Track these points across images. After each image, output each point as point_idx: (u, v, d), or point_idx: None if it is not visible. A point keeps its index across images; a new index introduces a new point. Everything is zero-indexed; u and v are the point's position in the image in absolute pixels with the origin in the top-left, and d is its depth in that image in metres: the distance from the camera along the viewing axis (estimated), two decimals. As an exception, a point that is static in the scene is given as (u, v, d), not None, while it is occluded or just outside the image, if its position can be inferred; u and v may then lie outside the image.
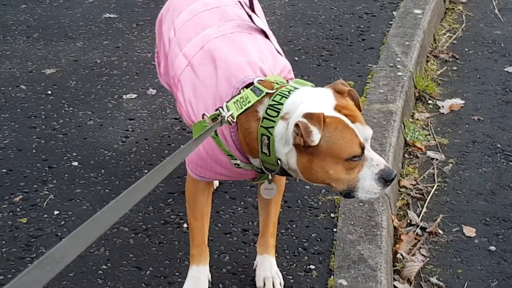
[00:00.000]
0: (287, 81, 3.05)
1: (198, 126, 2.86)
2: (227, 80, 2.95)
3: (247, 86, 2.90)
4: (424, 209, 4.19)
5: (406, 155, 4.70)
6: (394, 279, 3.68)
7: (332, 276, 3.42)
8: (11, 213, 3.86)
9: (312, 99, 2.77)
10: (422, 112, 5.20)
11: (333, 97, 2.77)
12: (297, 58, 5.54)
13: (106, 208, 1.81)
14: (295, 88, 2.86)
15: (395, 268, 3.75)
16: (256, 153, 2.88)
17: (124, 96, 5.01)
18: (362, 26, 6.12)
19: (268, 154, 2.84)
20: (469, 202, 4.25)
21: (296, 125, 2.67)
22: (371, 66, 5.39)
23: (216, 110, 2.82)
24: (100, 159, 4.32)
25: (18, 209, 3.90)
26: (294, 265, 3.50)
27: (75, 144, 4.46)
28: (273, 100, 2.82)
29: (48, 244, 3.61)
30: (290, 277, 3.42)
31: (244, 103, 2.83)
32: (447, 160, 4.64)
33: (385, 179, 2.76)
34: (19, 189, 4.05)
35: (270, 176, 3.01)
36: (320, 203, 3.93)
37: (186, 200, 3.22)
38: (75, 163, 4.28)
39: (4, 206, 3.91)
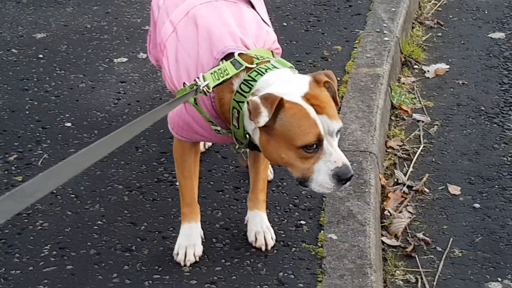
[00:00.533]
0: (271, 52, 3.12)
1: (180, 93, 2.92)
2: (209, 50, 3.01)
3: (226, 57, 2.96)
4: (411, 169, 4.30)
5: (392, 118, 4.80)
6: (382, 235, 3.78)
7: (322, 231, 3.51)
8: (6, 172, 3.93)
9: (284, 82, 2.80)
10: (408, 76, 5.30)
11: (308, 85, 2.79)
12: (285, 24, 5.61)
13: (78, 153, 1.90)
14: (274, 67, 2.90)
15: (383, 224, 3.86)
16: (230, 123, 2.97)
17: (115, 60, 5.07)
18: (348, -7, 6.19)
19: (237, 127, 2.91)
20: (454, 162, 4.36)
21: (247, 103, 2.73)
22: (358, 32, 5.47)
23: (195, 80, 2.87)
24: (93, 120, 4.39)
25: (13, 168, 3.96)
26: (285, 220, 3.59)
27: (67, 106, 4.53)
28: (248, 76, 2.87)
29: (43, 201, 3.68)
30: (282, 231, 3.51)
31: (222, 74, 2.87)
32: (433, 122, 4.75)
33: (340, 177, 2.74)
34: (14, 149, 4.11)
35: (237, 147, 3.08)
36: (309, 162, 4.01)
37: (175, 160, 3.30)
38: (68, 124, 4.34)
39: (-1, 165, 3.99)
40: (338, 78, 4.83)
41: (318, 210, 3.66)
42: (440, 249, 3.72)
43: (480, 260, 3.65)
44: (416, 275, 3.59)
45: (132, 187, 3.81)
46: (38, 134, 4.24)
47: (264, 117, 2.67)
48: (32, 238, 3.47)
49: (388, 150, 4.45)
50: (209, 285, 3.19)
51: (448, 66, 5.40)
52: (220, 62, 2.93)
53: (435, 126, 4.70)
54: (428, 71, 5.35)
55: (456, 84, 5.20)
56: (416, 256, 3.69)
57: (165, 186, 3.82)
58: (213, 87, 2.85)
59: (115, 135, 2.11)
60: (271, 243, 3.40)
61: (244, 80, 2.87)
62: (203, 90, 2.81)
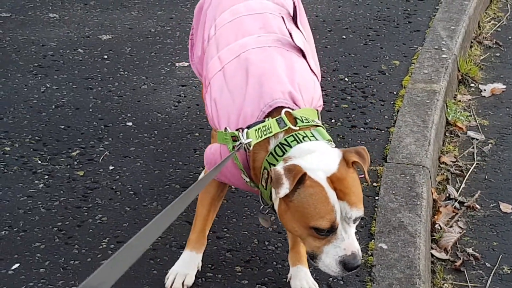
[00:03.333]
0: (317, 111, 3.09)
1: (221, 135, 2.95)
2: (256, 101, 2.98)
3: (272, 111, 2.94)
4: (463, 185, 4.34)
5: (447, 134, 4.85)
6: (432, 248, 3.83)
7: (373, 240, 3.57)
8: (68, 166, 4.06)
9: (316, 156, 2.78)
10: (464, 94, 5.34)
11: (338, 165, 2.74)
12: (344, 37, 5.68)
13: (138, 235, 1.85)
14: (313, 136, 2.88)
15: (433, 237, 3.90)
16: (258, 180, 2.95)
17: (177, 64, 5.20)
18: (409, 9, 6.26)
19: (265, 187, 2.90)
20: (507, 181, 4.40)
21: (271, 171, 2.72)
22: (417, 48, 5.54)
23: (237, 130, 2.90)
24: (153, 121, 4.51)
25: (75, 162, 4.09)
26: (337, 228, 3.65)
27: (129, 106, 4.66)
28: (285, 140, 2.85)
29: (103, 196, 3.81)
30: (333, 239, 3.57)
31: (265, 132, 2.87)
32: (487, 141, 4.78)
33: (346, 265, 2.71)
34: (77, 145, 4.25)
35: (261, 207, 3.06)
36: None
37: None
38: (130, 123, 4.47)
39: (62, 159, 4.12)
40: (395, 92, 4.90)
41: (369, 219, 3.72)
42: (489, 265, 3.76)
43: (528, 278, 3.69)
44: (464, 289, 3.64)
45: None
46: (100, 132, 4.38)
47: (284, 189, 2.65)
48: (91, 231, 3.58)
49: (441, 166, 4.50)
50: (259, 285, 3.28)
51: (505, 86, 5.43)
52: (266, 119, 2.92)
53: (489, 145, 4.74)
54: (484, 90, 5.38)
55: (512, 104, 5.24)
56: (465, 270, 3.73)
57: (221, 188, 3.91)
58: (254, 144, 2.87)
59: (168, 211, 2.05)
60: None
61: (280, 143, 2.85)
62: (245, 146, 2.84)
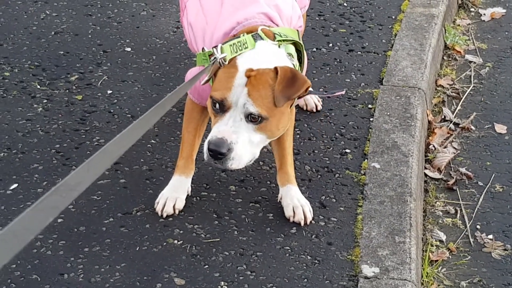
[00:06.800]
0: (297, 31, 3.11)
1: (200, 56, 2.96)
2: (231, 21, 3.03)
3: (250, 30, 2.97)
4: (459, 107, 4.37)
5: (445, 58, 4.86)
6: (425, 168, 3.88)
7: (366, 160, 3.63)
8: (67, 91, 4.10)
9: (257, 53, 2.87)
10: (463, 18, 5.34)
11: (268, 66, 2.82)
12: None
13: (113, 140, 1.88)
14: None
15: (427, 158, 3.95)
16: None
17: (176, -10, 5.21)
18: None
19: None
20: (503, 102, 4.42)
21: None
22: (417, -27, 5.51)
23: (213, 48, 2.90)
24: (152, 46, 4.54)
25: (73, 87, 4.14)
26: (331, 148, 3.71)
27: (128, 32, 4.68)
28: None
29: (101, 119, 3.86)
30: (327, 159, 3.63)
31: (240, 48, 2.89)
32: (485, 64, 4.80)
33: (208, 145, 2.81)
34: (75, 70, 4.29)
35: None
36: (359, 95, 4.12)
37: (184, 115, 3.33)
38: (128, 49, 4.50)
39: (60, 84, 4.16)
40: (393, 17, 4.90)
41: (363, 140, 3.77)
42: (482, 184, 3.81)
43: (520, 196, 3.75)
44: (456, 207, 3.69)
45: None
46: (99, 57, 4.41)
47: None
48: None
49: (438, 88, 4.52)
50: (253, 204, 3.35)
51: (504, 10, 5.43)
52: (241, 35, 2.94)
53: (487, 68, 4.75)
54: (484, 14, 5.38)
55: (511, 27, 5.22)
56: (457, 189, 3.79)
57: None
58: (230, 60, 2.89)
59: (146, 117, 2.08)
60: (310, 216, 3.27)
61: None
62: (219, 61, 2.85)
